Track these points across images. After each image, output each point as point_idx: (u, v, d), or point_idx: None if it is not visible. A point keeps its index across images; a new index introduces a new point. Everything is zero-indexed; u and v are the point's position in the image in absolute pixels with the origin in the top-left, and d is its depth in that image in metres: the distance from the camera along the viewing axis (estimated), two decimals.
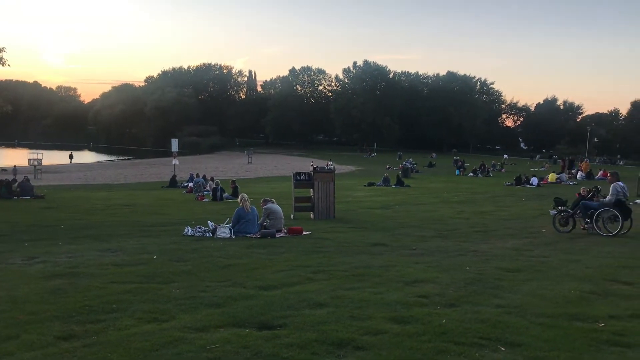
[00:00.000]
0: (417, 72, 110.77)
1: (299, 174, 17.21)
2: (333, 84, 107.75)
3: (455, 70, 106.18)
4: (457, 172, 46.64)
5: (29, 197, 22.72)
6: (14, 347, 4.88)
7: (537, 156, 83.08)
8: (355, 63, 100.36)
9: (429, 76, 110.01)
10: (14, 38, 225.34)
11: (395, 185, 31.97)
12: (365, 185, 32.12)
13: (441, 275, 8.06)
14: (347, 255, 9.85)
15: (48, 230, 13.43)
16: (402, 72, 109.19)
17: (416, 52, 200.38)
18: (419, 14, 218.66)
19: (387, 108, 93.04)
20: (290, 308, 6.15)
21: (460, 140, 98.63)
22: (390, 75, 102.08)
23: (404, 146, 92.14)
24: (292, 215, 16.10)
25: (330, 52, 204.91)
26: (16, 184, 24.08)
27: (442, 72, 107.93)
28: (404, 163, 51.71)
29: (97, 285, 7.19)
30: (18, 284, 7.29)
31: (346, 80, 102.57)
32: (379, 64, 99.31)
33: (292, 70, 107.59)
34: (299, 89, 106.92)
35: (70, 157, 67.12)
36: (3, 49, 27.40)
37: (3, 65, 27.54)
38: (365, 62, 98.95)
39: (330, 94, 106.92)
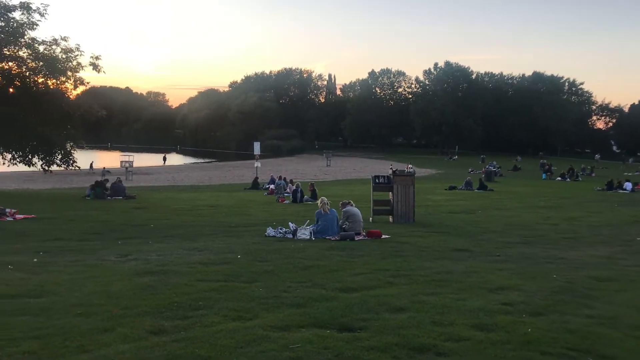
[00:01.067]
0: (502, 73, 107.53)
1: (378, 177, 17.17)
2: (413, 85, 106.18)
3: (541, 71, 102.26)
4: (543, 176, 44.93)
5: (121, 197, 24.01)
6: (110, 339, 5.20)
7: (631, 159, 78.38)
8: (436, 64, 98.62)
9: (513, 77, 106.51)
10: (108, 47, 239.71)
11: (478, 189, 31.18)
12: (446, 189, 31.52)
13: (526, 283, 7.81)
14: (427, 260, 9.74)
15: (139, 229, 14.13)
16: (485, 72, 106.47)
17: (499, 52, 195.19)
18: (501, 12, 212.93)
19: (469, 109, 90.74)
20: (370, 311, 6.16)
21: (547, 143, 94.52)
22: (473, 76, 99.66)
23: (487, 149, 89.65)
24: (370, 219, 16.08)
25: (411, 53, 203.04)
26: (107, 184, 25.57)
27: (528, 73, 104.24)
28: (487, 166, 50.27)
29: (184, 283, 7.50)
30: (113, 280, 7.74)
31: (427, 82, 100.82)
32: (461, 64, 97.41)
33: (372, 73, 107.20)
34: (378, 91, 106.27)
35: (164, 159, 69.96)
36: (99, 56, 29.04)
37: (98, 72, 29.24)
38: (447, 63, 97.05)
39: (410, 96, 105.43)
